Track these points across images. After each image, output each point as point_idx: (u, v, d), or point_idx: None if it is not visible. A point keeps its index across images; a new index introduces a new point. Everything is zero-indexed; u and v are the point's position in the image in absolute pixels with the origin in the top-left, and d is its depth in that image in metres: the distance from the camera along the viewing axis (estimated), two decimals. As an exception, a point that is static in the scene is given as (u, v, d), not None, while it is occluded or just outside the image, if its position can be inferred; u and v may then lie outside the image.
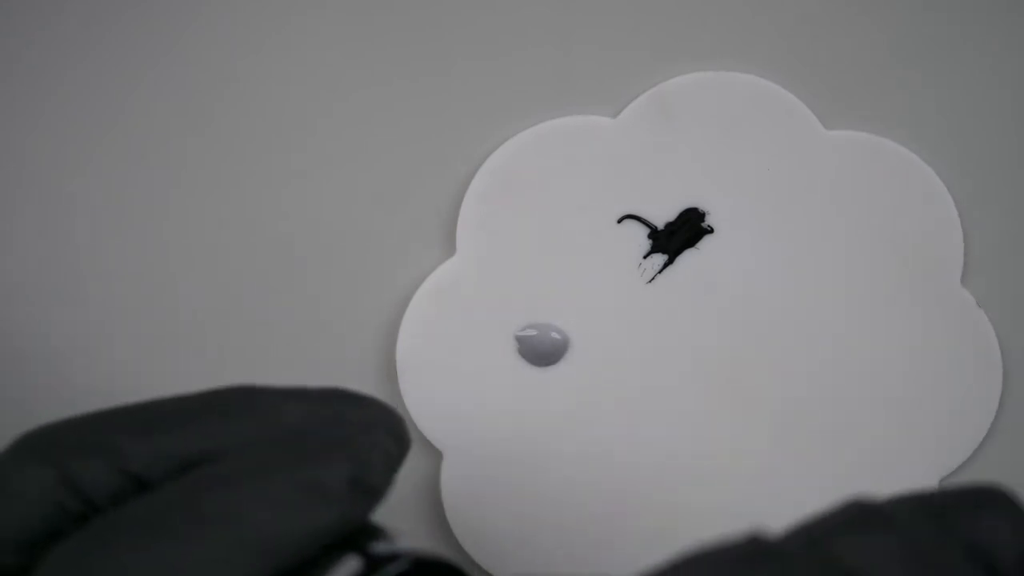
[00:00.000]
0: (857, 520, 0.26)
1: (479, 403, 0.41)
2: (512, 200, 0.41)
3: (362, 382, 0.42)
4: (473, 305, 0.41)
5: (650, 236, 0.41)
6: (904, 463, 0.41)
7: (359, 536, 0.29)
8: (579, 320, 0.41)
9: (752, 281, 0.41)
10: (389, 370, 0.42)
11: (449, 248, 0.42)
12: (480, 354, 0.41)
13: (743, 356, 0.41)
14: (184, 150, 0.42)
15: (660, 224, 0.41)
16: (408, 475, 0.42)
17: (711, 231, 0.41)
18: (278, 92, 0.42)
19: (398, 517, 0.42)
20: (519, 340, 0.41)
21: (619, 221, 0.41)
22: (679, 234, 0.41)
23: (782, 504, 0.41)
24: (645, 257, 0.41)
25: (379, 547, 0.29)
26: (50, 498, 0.29)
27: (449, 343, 0.41)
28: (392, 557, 0.29)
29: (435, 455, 0.42)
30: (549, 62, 0.41)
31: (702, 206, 0.41)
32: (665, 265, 0.41)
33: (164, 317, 0.42)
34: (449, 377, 0.41)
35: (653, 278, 0.41)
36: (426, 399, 0.41)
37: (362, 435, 0.30)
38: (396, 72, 0.41)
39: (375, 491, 0.29)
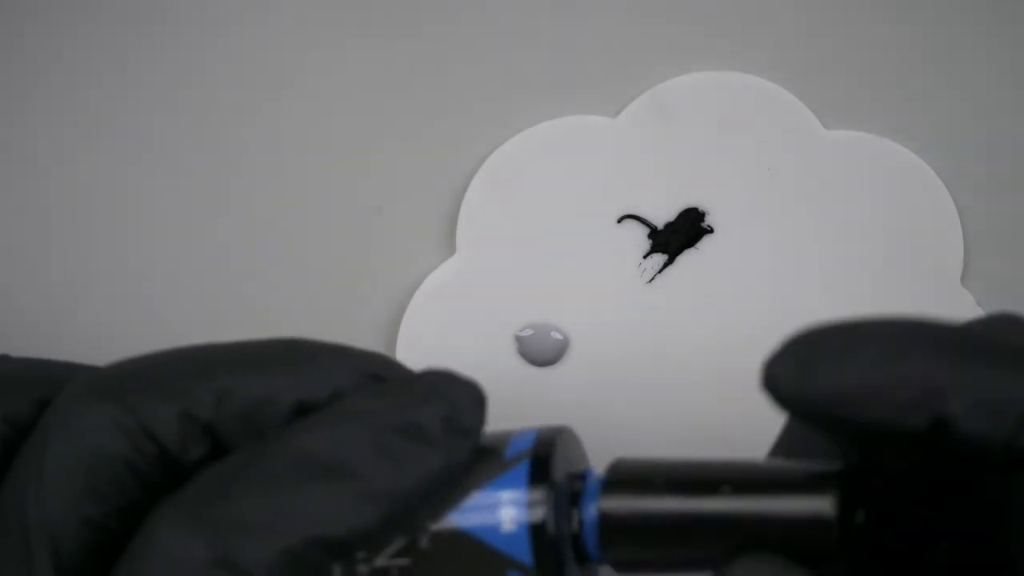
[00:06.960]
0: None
1: (479, 403, 0.41)
2: (512, 200, 0.41)
3: (362, 382, 0.42)
4: (473, 305, 0.41)
5: (650, 236, 0.41)
6: (904, 463, 0.41)
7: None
8: (579, 320, 0.41)
9: (752, 281, 0.41)
10: (389, 370, 0.42)
11: (449, 248, 0.41)
12: (480, 354, 0.41)
13: (743, 356, 0.41)
14: (184, 149, 0.42)
15: (660, 224, 0.41)
16: (408, 475, 0.42)
17: (711, 231, 0.41)
18: (278, 92, 0.42)
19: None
20: (519, 340, 0.41)
21: (619, 221, 0.41)
22: (679, 234, 0.41)
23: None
24: (645, 257, 0.41)
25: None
26: (124, 438, 0.28)
27: (449, 343, 0.41)
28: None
29: (435, 455, 0.42)
30: (549, 62, 0.41)
31: (702, 206, 0.41)
32: (665, 265, 0.41)
33: (164, 317, 0.42)
34: (449, 377, 0.41)
35: (653, 278, 0.41)
36: (426, 399, 0.41)
37: (441, 380, 0.29)
38: (396, 72, 0.41)
39: (469, 432, 0.28)
